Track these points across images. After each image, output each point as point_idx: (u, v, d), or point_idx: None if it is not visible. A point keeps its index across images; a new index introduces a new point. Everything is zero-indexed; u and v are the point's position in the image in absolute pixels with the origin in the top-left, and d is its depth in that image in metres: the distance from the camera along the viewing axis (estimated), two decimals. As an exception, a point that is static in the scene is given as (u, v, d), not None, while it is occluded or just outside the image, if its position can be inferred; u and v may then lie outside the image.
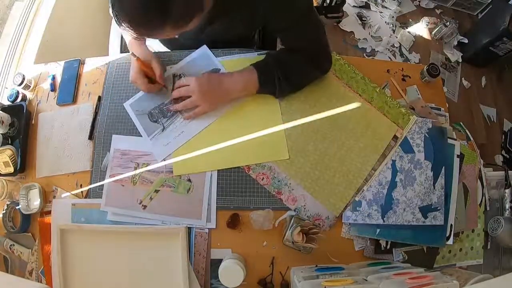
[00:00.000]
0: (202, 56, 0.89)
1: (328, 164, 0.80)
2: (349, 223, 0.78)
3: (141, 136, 0.85)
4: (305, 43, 0.78)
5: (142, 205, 0.81)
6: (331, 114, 0.83)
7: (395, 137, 0.83)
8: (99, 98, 0.91)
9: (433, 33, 2.10)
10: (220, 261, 0.75)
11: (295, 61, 0.79)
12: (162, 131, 0.84)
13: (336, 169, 0.80)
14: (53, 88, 0.96)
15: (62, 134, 0.91)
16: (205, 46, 0.89)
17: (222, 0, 0.63)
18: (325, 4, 1.92)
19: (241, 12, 0.73)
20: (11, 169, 0.88)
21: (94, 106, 0.90)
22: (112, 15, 0.53)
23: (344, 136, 0.82)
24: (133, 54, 0.79)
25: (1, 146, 0.91)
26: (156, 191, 0.81)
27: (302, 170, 0.80)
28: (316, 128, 0.83)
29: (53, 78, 0.97)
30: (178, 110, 0.83)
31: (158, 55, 0.87)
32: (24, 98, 0.97)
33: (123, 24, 0.52)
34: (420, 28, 2.12)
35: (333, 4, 1.91)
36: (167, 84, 0.86)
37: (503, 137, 1.93)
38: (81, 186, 0.85)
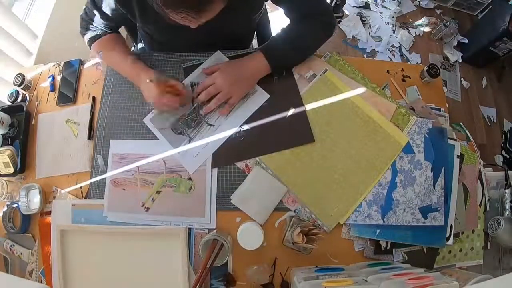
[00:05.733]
0: (217, 62, 0.88)
1: (331, 178, 0.79)
2: (349, 224, 0.78)
3: (139, 139, 0.85)
4: (307, 4, 0.80)
5: (145, 208, 0.81)
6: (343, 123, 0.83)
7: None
8: (94, 98, 0.91)
9: (433, 33, 2.10)
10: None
11: (298, 29, 0.82)
12: (189, 142, 0.82)
13: (339, 183, 0.79)
14: (53, 89, 0.96)
15: (62, 134, 0.91)
16: (218, 51, 0.89)
17: None
18: (325, 4, 1.92)
19: None
20: (11, 170, 0.88)
21: (90, 107, 0.90)
22: (158, 6, 0.55)
23: (350, 150, 0.81)
24: (150, 80, 0.76)
25: (1, 146, 0.91)
26: (158, 192, 0.81)
27: (303, 183, 0.79)
28: (324, 139, 0.82)
29: (53, 78, 0.97)
30: (212, 110, 0.82)
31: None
32: (24, 99, 0.97)
33: (176, 10, 0.54)
34: (420, 28, 2.12)
35: (333, 4, 1.91)
36: (189, 92, 0.84)
37: (503, 137, 1.94)
38: (81, 187, 0.85)
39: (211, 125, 0.83)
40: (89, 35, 0.87)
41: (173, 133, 0.83)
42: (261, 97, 0.84)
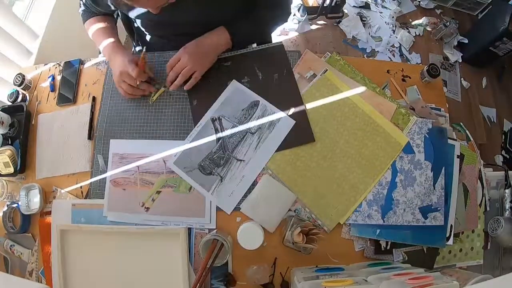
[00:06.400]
0: (235, 92, 0.85)
1: (331, 178, 0.79)
2: (349, 224, 0.78)
3: (139, 139, 0.85)
4: None
5: (145, 208, 0.81)
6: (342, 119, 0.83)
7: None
8: (94, 98, 0.91)
9: (433, 33, 2.10)
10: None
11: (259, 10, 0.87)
12: (221, 181, 0.80)
13: (339, 183, 0.79)
14: (53, 89, 0.96)
15: (62, 134, 0.91)
16: (235, 81, 0.86)
17: None
18: (325, 4, 1.92)
19: None
20: (11, 170, 0.88)
21: (90, 107, 0.90)
22: None
23: (350, 150, 0.81)
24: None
25: (1, 146, 0.91)
26: (158, 192, 0.81)
27: (303, 183, 0.79)
28: (324, 139, 0.82)
29: (53, 78, 0.97)
30: (178, 86, 0.83)
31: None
32: (24, 99, 0.97)
33: None
34: (420, 28, 2.12)
35: (333, 4, 1.91)
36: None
37: (503, 137, 1.94)
38: (81, 187, 0.85)
39: (240, 160, 0.81)
40: (84, 13, 0.94)
41: (202, 174, 0.80)
42: (286, 124, 0.82)
